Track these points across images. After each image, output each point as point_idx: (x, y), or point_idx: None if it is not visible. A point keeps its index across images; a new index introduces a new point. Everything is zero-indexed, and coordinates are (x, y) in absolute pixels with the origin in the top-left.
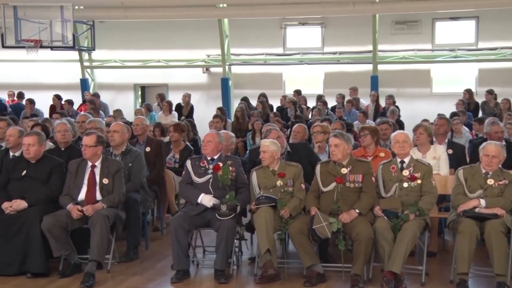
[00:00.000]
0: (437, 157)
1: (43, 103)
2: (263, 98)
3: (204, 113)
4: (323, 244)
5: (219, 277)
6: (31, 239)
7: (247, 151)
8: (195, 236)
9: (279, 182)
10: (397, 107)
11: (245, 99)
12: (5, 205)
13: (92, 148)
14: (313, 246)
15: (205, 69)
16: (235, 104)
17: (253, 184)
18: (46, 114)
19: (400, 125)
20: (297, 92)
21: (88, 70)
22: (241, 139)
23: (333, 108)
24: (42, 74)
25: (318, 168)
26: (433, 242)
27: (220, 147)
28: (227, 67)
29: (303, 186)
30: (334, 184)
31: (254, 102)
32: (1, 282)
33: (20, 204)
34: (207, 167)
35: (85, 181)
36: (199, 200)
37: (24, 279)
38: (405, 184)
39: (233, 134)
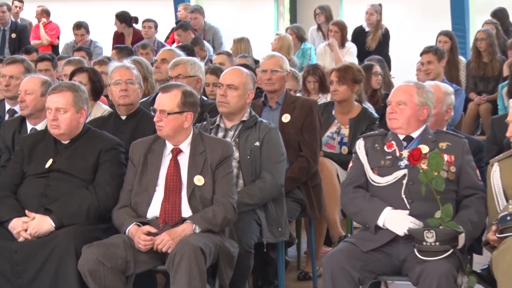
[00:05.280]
0: None
1: (108, 29)
2: None
3: None
4: None
5: None
6: (59, 286)
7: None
8: None
9: None
10: None
11: None
12: (17, 225)
13: (174, 117)
14: None
15: None
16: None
17: (494, 190)
18: (107, 51)
19: None
20: None
21: None
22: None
23: None
24: None
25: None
26: None
27: (425, 114)
28: None
29: None
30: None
31: None
32: None
33: (41, 223)
34: (397, 153)
35: (161, 181)
36: (380, 222)
37: None
38: None
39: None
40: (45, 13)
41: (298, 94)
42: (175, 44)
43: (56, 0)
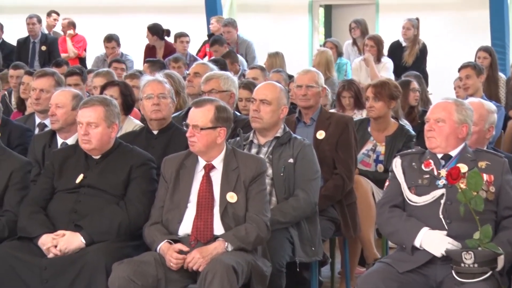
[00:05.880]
0: None
1: (138, 42)
2: None
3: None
4: None
5: None
6: None
7: None
8: None
9: None
10: None
11: None
12: (46, 241)
13: (207, 132)
14: None
15: None
16: None
17: None
18: (138, 64)
19: None
20: None
21: None
22: None
23: None
24: None
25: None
26: None
27: (464, 132)
28: None
29: None
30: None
31: None
32: None
33: (71, 240)
34: (435, 172)
35: (193, 198)
36: (417, 242)
37: None
38: None
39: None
40: (71, 25)
41: (332, 110)
42: (206, 58)
43: (84, 12)
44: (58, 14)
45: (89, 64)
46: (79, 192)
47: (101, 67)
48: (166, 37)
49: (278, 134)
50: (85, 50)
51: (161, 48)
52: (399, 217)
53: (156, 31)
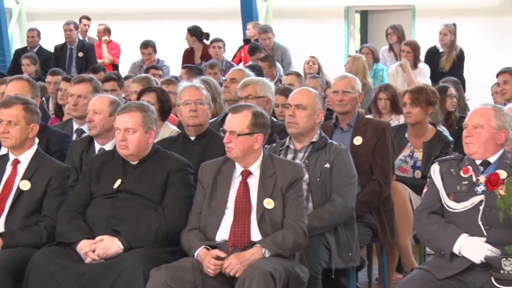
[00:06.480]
0: None
1: (174, 48)
2: None
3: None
4: None
5: None
6: None
7: None
8: None
9: None
10: None
11: None
12: (85, 246)
13: (244, 138)
14: None
15: None
16: None
17: None
18: (174, 70)
19: None
20: None
21: None
22: None
23: None
24: None
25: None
26: None
27: (503, 138)
28: None
29: None
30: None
31: None
32: None
33: (109, 245)
34: (474, 179)
35: (230, 204)
36: (455, 249)
37: None
38: None
39: None
40: (107, 31)
41: (369, 116)
42: (242, 63)
43: (120, 19)
44: (89, 19)
45: (123, 70)
46: (116, 197)
47: (137, 73)
48: (205, 40)
49: (314, 139)
50: (119, 57)
51: (199, 50)
52: (438, 224)
53: (195, 32)
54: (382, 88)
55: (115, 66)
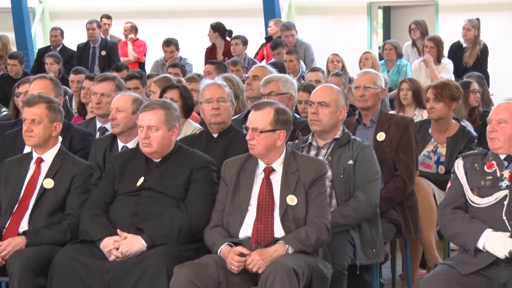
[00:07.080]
0: None
1: (197, 46)
2: None
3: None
4: None
5: None
6: None
7: None
8: None
9: None
10: None
11: None
12: (108, 244)
13: (266, 135)
14: None
15: None
16: None
17: None
18: (197, 67)
19: None
20: None
21: None
22: None
23: None
24: None
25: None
26: None
27: None
28: None
29: None
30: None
31: None
32: None
33: (133, 242)
34: (498, 174)
35: (253, 201)
36: (480, 244)
37: None
38: None
39: None
40: (133, 29)
41: (391, 112)
42: (264, 61)
43: (143, 17)
44: (109, 18)
45: (147, 68)
46: (140, 195)
47: (160, 71)
48: (227, 38)
49: (337, 136)
50: (144, 55)
51: (221, 47)
52: (462, 219)
53: (218, 29)
54: (406, 80)
55: (141, 64)
